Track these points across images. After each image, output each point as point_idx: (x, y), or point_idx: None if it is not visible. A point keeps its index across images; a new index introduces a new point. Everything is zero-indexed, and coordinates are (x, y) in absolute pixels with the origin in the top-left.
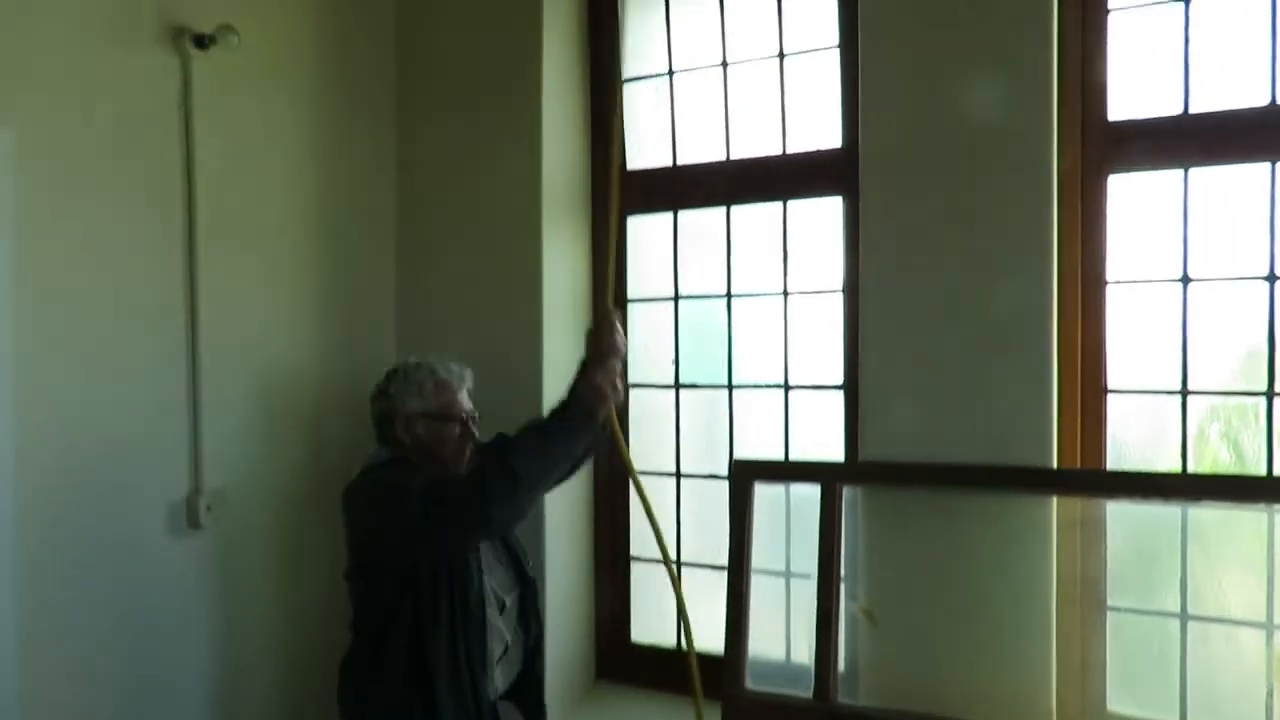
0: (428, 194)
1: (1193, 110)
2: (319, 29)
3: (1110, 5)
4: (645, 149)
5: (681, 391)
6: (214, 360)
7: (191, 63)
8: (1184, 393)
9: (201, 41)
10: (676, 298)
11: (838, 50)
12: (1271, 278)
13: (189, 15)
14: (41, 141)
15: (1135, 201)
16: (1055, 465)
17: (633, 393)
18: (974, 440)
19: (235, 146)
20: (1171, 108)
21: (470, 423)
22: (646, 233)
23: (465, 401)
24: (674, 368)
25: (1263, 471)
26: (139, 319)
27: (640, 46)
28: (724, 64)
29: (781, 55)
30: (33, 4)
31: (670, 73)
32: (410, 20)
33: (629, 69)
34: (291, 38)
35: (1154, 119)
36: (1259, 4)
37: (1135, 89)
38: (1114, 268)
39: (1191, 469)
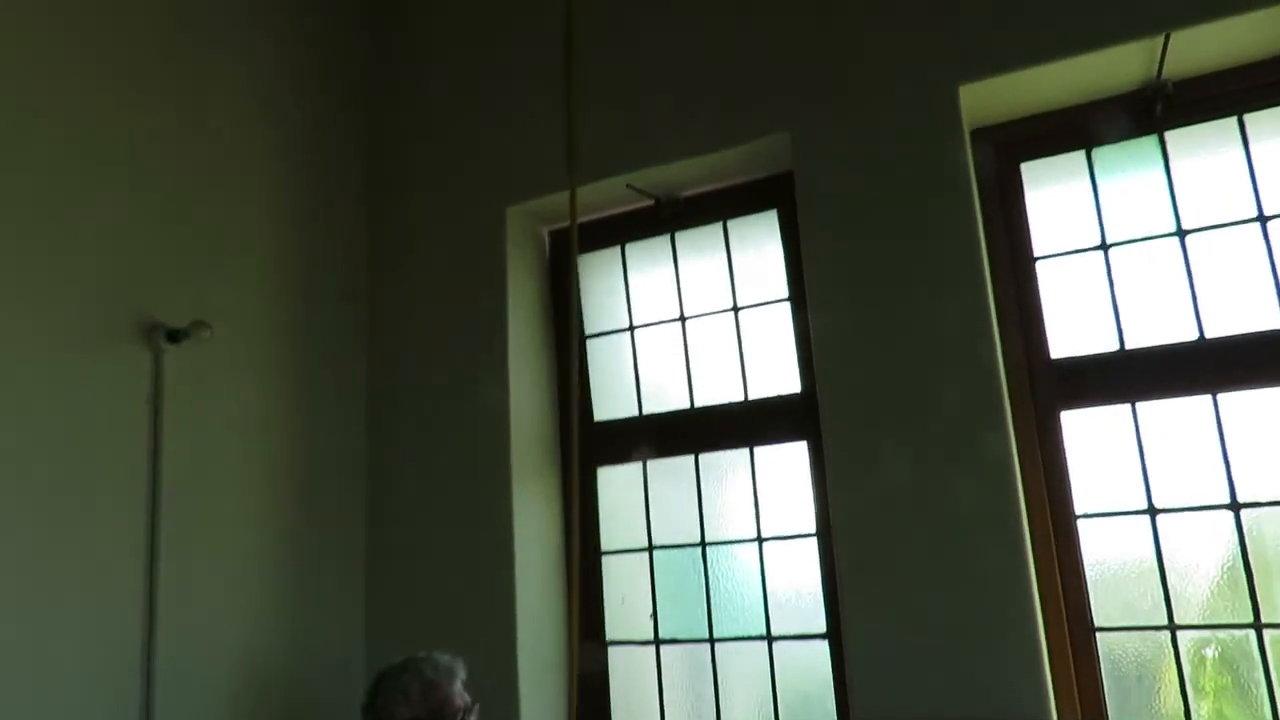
0: (398, 486)
1: (1129, 346)
2: (290, 317)
3: (1036, 253)
4: (611, 401)
5: (662, 647)
6: (171, 670)
7: (163, 356)
8: (1172, 628)
9: (175, 336)
10: (651, 548)
11: (789, 303)
12: (1234, 506)
13: (163, 311)
14: (9, 442)
15: (1093, 435)
16: (1054, 714)
17: (611, 651)
18: (968, 695)
19: (202, 440)
20: (1109, 345)
21: (467, 716)
22: (617, 483)
23: (458, 697)
24: (653, 622)
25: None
26: (92, 627)
27: (602, 303)
28: (682, 318)
29: (736, 309)
30: (10, 304)
31: (631, 328)
32: (379, 291)
33: (591, 325)
34: (262, 326)
35: (1094, 356)
36: (1172, 249)
37: (1073, 328)
38: (1081, 501)
39: (1193, 695)
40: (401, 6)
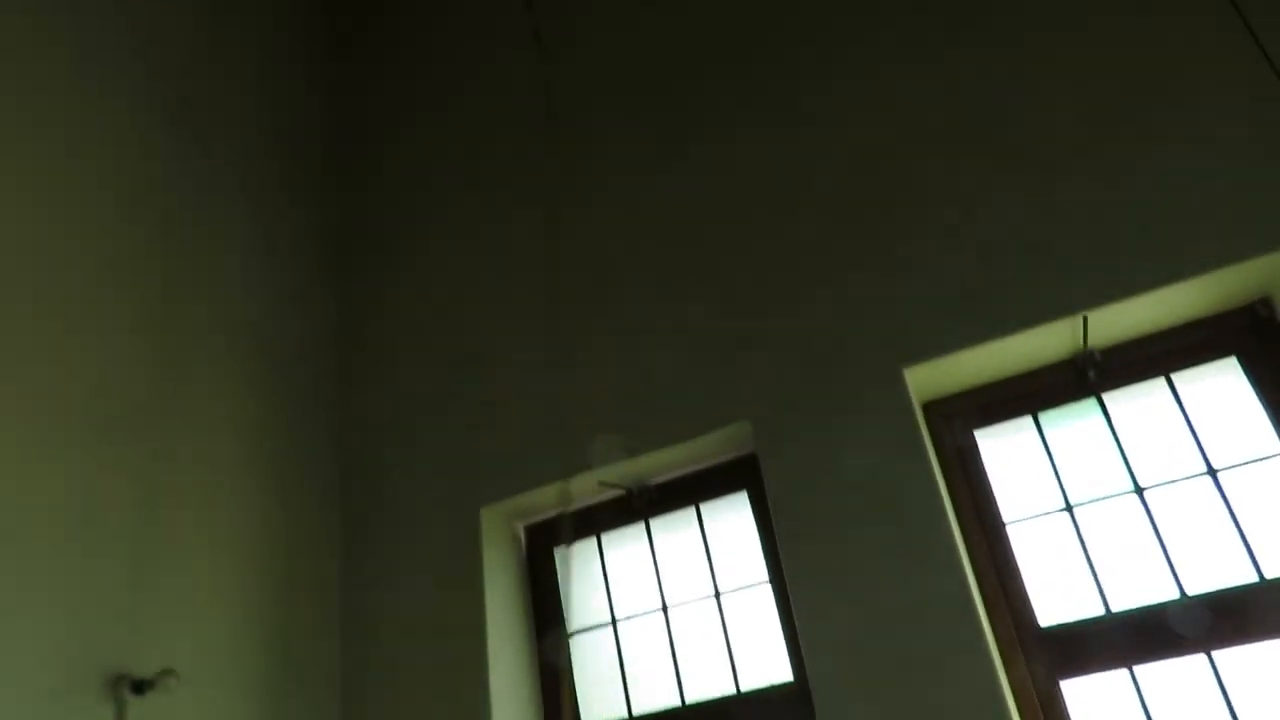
0: None
1: (1114, 609)
2: (263, 661)
3: (1005, 519)
4: (598, 699)
5: None
6: None
7: (127, 709)
8: None
9: (139, 687)
10: None
11: (770, 584)
12: None
13: (129, 661)
14: None
15: (1096, 702)
16: None
17: None
18: None
19: None
20: (1094, 608)
21: None
22: None
23: None
24: None
25: None
26: None
27: (583, 598)
28: (664, 607)
29: (717, 594)
30: None
31: (614, 620)
32: (353, 611)
33: (572, 620)
34: (233, 672)
35: (1081, 621)
36: (1133, 506)
37: (1055, 592)
38: None
39: None
40: (376, 302)
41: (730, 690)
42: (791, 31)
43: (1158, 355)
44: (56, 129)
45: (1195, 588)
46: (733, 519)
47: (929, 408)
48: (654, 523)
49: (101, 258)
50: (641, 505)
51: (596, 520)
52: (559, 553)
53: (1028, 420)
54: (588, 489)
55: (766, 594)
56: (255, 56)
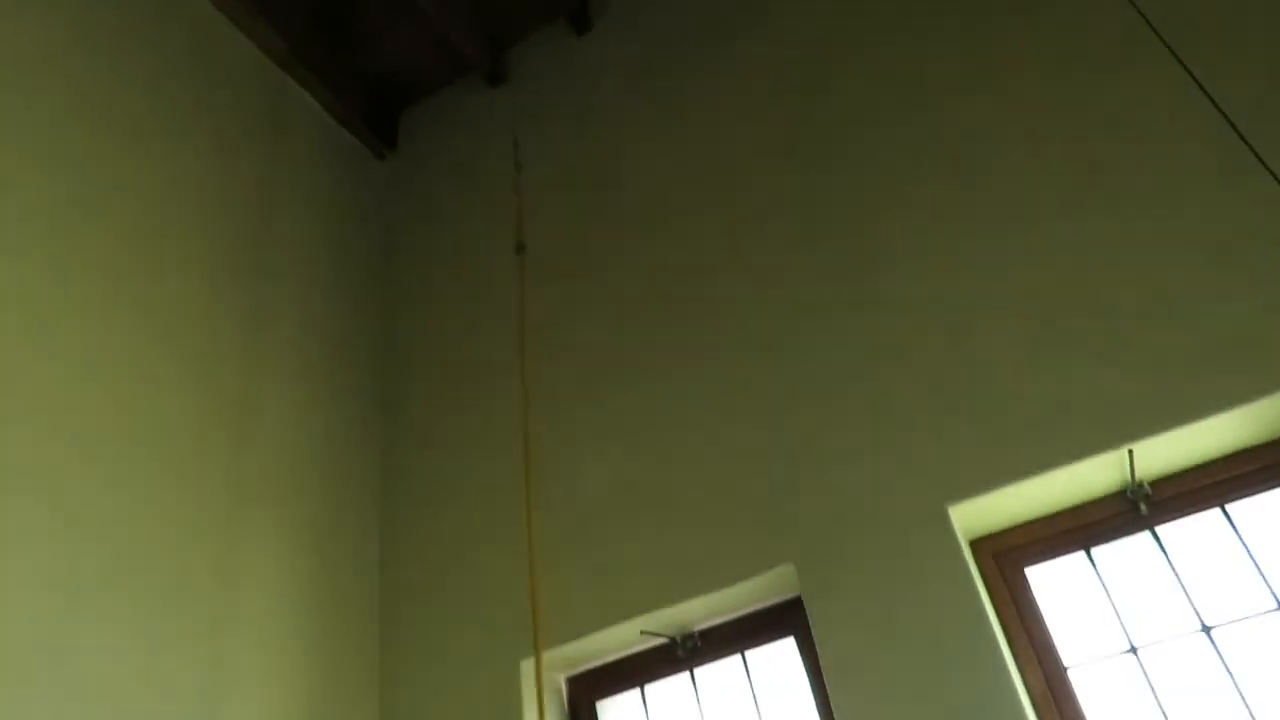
0: None
1: None
2: None
3: (1066, 662)
4: None
5: None
6: None
7: None
8: None
9: None
10: None
11: None
12: None
13: None
14: None
15: None
16: None
17: None
18: None
19: None
20: None
21: None
22: None
23: None
24: None
25: None
26: None
27: None
28: None
29: None
30: None
31: None
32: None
33: None
34: None
35: None
36: (1202, 645)
37: None
38: None
39: None
40: (421, 445)
41: None
42: (811, 172)
43: (1211, 486)
44: (130, 294)
45: None
46: (780, 665)
47: (977, 545)
48: (698, 671)
49: (170, 423)
50: (686, 653)
51: (639, 670)
52: (602, 706)
53: (1081, 556)
54: (629, 638)
55: None
56: (305, 214)
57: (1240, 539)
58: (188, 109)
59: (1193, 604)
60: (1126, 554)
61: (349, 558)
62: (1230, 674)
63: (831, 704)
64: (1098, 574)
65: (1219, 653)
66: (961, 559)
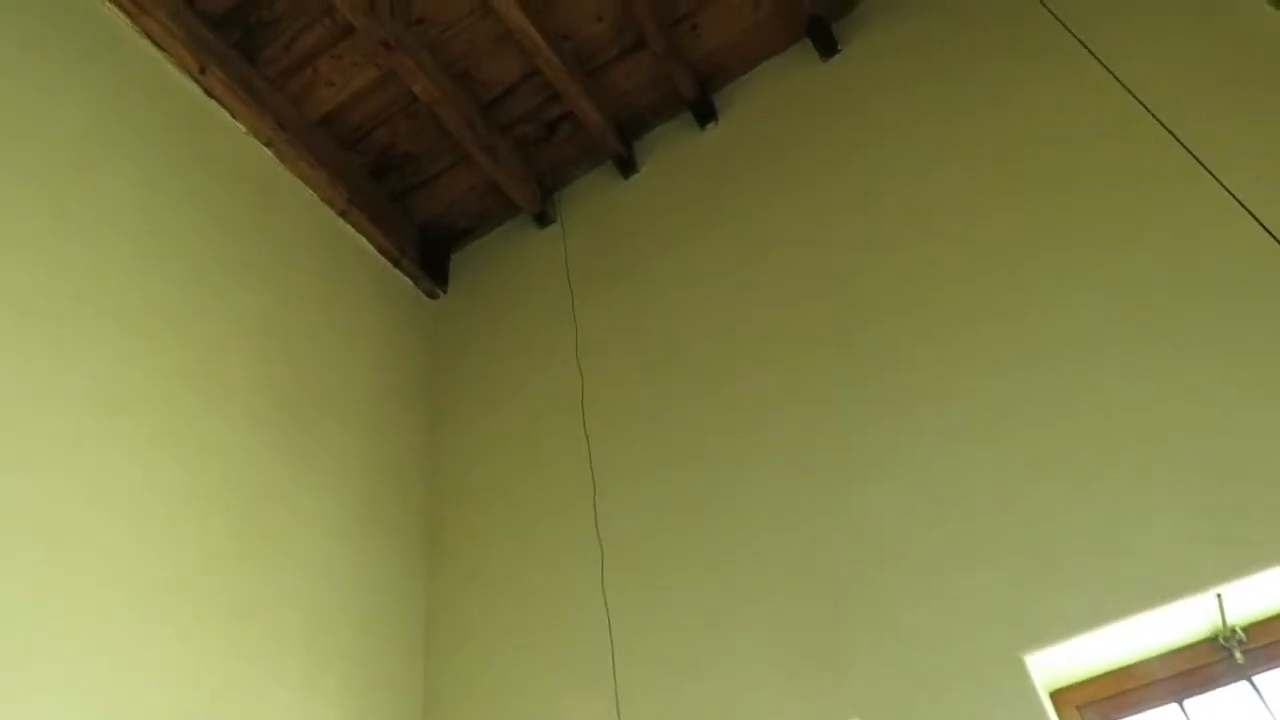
0: None
1: None
2: None
3: None
4: None
5: None
6: None
7: None
8: None
9: None
10: None
11: None
12: None
13: None
14: None
15: None
16: None
17: None
18: None
19: None
20: None
21: None
22: None
23: None
24: None
25: None
26: None
27: None
28: None
29: None
30: None
31: None
32: None
33: None
34: None
35: None
36: None
37: None
38: None
39: None
40: (464, 586)
41: None
42: (848, 314)
43: None
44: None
45: None
46: None
47: (1058, 697)
48: None
49: (218, 566)
50: None
51: None
52: None
53: (1174, 708)
54: None
55: None
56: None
57: None
58: (249, 255)
59: None
60: (1222, 705)
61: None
62: None
63: None
64: None
65: None
66: (1042, 712)
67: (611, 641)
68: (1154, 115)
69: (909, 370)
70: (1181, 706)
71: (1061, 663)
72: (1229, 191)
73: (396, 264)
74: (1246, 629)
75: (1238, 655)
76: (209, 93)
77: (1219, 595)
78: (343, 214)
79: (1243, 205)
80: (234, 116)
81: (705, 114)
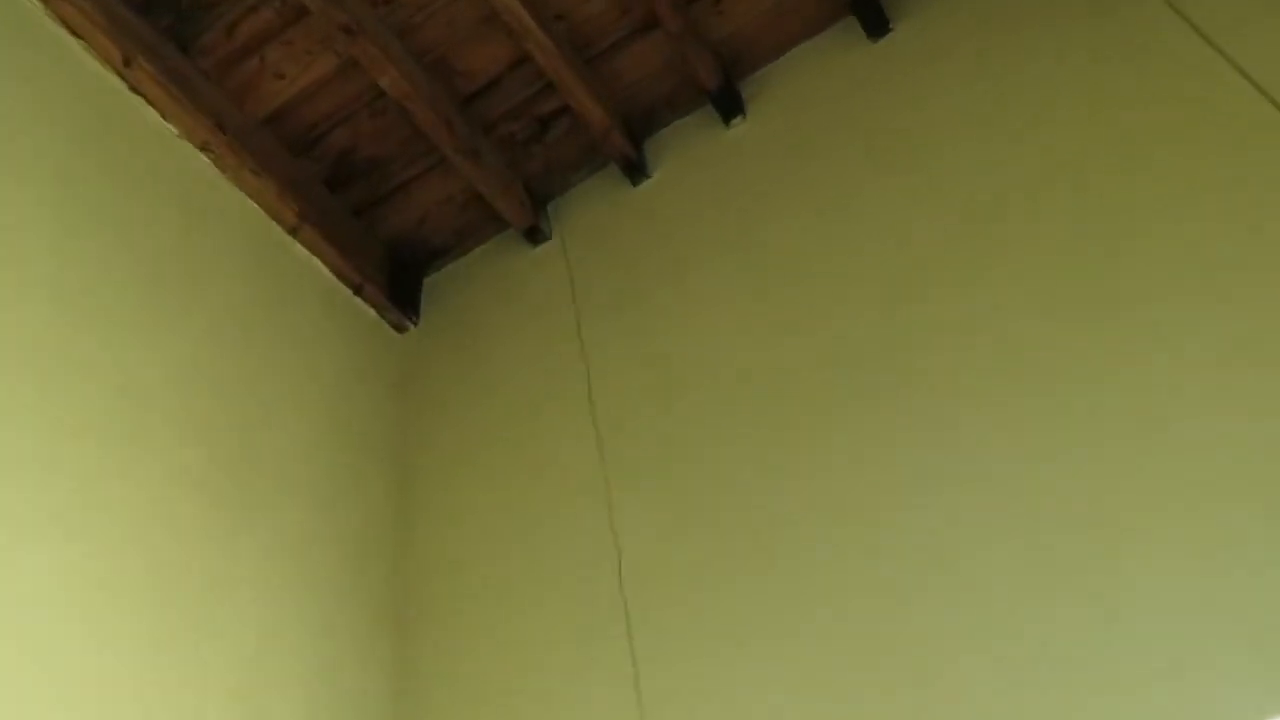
0: None
1: None
2: None
3: None
4: None
5: None
6: None
7: None
8: None
9: None
10: None
11: None
12: None
13: None
14: None
15: None
16: None
17: None
18: None
19: None
20: None
21: None
22: None
23: None
24: None
25: None
26: None
27: None
28: None
29: None
30: None
31: None
32: None
33: None
34: None
35: None
36: None
37: None
38: None
39: None
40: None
41: None
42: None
43: None
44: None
45: None
46: None
47: None
48: None
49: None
50: None
51: None
52: None
53: None
54: None
55: None
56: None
57: None
58: (178, 283)
59: None
60: None
61: None
62: None
63: None
64: None
65: None
66: None
67: None
68: None
69: (965, 395)
70: None
71: None
72: None
73: (357, 291)
74: None
75: None
76: (134, 88)
77: None
78: (292, 231)
79: None
80: (164, 116)
81: (730, 107)
